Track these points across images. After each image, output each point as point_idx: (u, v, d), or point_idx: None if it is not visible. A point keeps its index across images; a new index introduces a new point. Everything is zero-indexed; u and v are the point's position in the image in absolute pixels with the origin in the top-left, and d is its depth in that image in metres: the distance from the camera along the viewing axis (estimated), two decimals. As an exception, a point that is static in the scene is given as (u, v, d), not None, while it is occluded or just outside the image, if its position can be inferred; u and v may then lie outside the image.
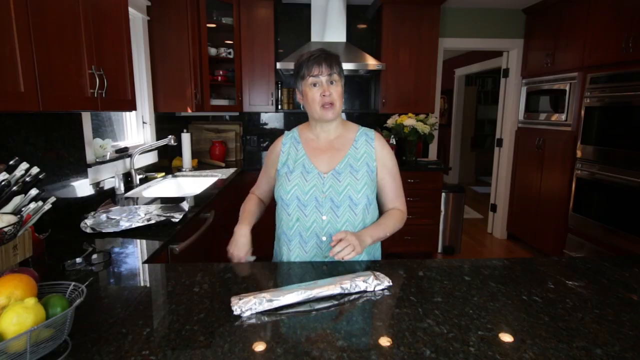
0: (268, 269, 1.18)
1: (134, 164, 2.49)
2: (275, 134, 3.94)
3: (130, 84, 1.84)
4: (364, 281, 1.01)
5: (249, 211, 1.40)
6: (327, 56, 1.24)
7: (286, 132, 1.42)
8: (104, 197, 2.15)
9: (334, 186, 1.26)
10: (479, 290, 1.03)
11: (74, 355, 0.75)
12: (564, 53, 3.37)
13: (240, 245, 1.30)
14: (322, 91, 1.23)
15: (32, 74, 1.17)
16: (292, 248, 1.30)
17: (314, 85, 1.24)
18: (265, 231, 1.74)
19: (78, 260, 1.21)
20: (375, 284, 1.02)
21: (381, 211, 1.40)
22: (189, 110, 3.01)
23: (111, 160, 2.27)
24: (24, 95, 1.14)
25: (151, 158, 2.93)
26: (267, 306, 0.91)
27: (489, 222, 4.54)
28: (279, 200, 1.32)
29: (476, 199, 6.14)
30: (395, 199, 1.36)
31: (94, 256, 1.23)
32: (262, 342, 0.79)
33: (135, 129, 2.87)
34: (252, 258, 1.32)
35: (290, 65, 3.24)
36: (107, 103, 1.62)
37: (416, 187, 3.42)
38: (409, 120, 3.48)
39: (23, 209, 1.11)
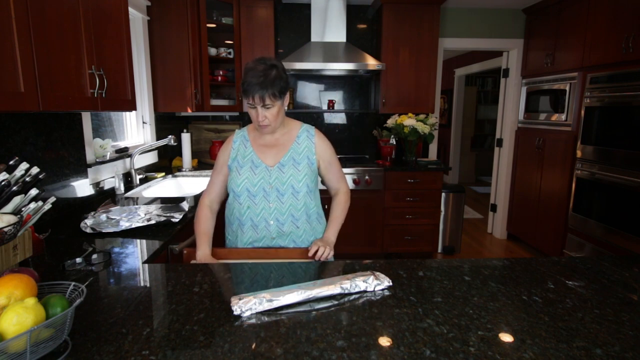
0: (268, 269, 1.18)
1: (134, 164, 2.49)
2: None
3: (130, 84, 1.84)
4: (364, 281, 1.01)
5: (205, 233, 1.44)
6: (263, 85, 1.29)
7: (237, 130, 1.55)
8: (104, 197, 2.15)
9: (279, 177, 1.42)
10: (479, 290, 1.03)
11: (74, 355, 0.75)
12: (564, 53, 3.37)
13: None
14: (257, 115, 1.35)
15: (32, 74, 1.17)
16: (246, 231, 1.45)
17: (251, 107, 1.35)
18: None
19: (78, 260, 1.21)
20: (375, 284, 1.02)
21: (328, 194, 1.61)
22: (189, 110, 3.01)
23: (111, 160, 2.27)
24: (24, 95, 1.14)
25: (151, 158, 2.93)
26: (267, 306, 0.91)
27: (489, 222, 4.54)
28: (231, 192, 1.47)
29: (476, 199, 6.14)
30: (339, 182, 1.57)
31: (94, 256, 1.23)
32: (262, 342, 0.79)
33: (135, 129, 2.87)
34: None
35: (291, 65, 3.24)
36: (107, 103, 1.62)
37: (416, 187, 3.42)
38: (409, 120, 3.48)
39: (23, 209, 1.11)
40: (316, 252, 1.36)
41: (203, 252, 1.38)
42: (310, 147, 1.47)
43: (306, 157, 1.46)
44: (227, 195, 1.55)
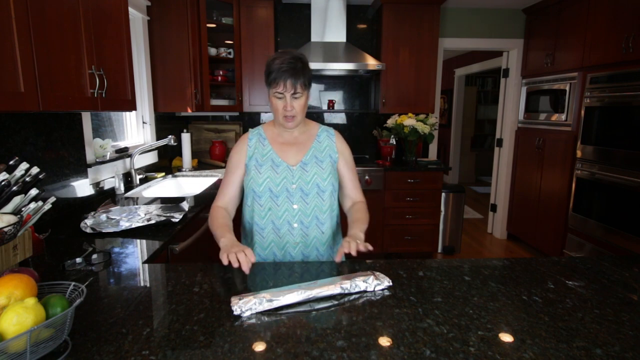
0: (268, 269, 1.18)
1: (134, 164, 2.49)
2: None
3: (130, 84, 1.84)
4: (364, 281, 1.01)
5: (224, 224, 1.30)
6: (293, 72, 1.26)
7: (250, 129, 1.48)
8: (104, 197, 2.15)
9: (302, 177, 1.36)
10: (479, 290, 1.03)
11: (74, 355, 0.75)
12: (564, 53, 3.37)
13: (243, 247, 1.14)
14: (285, 105, 1.30)
15: (32, 74, 1.17)
16: (266, 235, 1.36)
17: (278, 97, 1.30)
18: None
19: (78, 260, 1.21)
20: (375, 284, 1.02)
21: (340, 201, 1.49)
22: (189, 110, 3.01)
23: (111, 160, 2.27)
24: (24, 95, 1.14)
25: (151, 158, 2.93)
26: (267, 306, 0.91)
27: (489, 222, 4.54)
28: (250, 193, 1.37)
29: (476, 199, 6.14)
30: (354, 189, 1.48)
31: (94, 256, 1.23)
32: (262, 342, 0.79)
33: (135, 129, 2.87)
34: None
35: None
36: (107, 103, 1.62)
37: (416, 187, 3.42)
38: (409, 120, 3.48)
39: (23, 209, 1.11)
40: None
41: (228, 239, 1.19)
42: (331, 145, 1.44)
43: (329, 155, 1.42)
44: (240, 202, 1.45)
